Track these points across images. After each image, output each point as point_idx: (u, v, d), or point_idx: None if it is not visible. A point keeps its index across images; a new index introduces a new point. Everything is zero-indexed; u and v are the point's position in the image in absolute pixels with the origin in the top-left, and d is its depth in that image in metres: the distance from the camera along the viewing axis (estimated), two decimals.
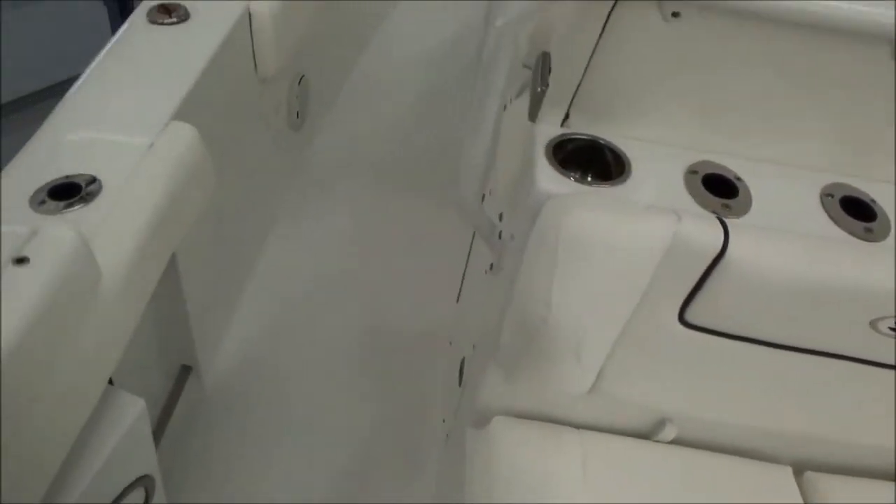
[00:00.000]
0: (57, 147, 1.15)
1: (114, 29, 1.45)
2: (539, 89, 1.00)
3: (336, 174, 2.42)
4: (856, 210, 0.94)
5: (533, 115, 1.02)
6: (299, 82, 2.13)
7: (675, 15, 0.80)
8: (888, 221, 0.93)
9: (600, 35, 0.85)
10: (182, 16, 1.50)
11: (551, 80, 0.98)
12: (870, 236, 0.91)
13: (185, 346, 1.54)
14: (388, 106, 2.84)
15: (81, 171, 1.09)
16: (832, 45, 0.83)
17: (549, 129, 0.98)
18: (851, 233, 0.92)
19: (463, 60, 3.11)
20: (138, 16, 1.52)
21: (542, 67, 1.02)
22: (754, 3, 0.75)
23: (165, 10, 1.52)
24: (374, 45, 3.11)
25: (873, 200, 0.96)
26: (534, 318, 0.87)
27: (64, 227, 0.85)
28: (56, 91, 1.37)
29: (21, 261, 0.80)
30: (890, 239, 0.91)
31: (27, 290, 0.77)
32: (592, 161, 0.97)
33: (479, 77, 0.92)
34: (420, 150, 2.67)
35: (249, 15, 1.60)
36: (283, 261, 2.08)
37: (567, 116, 0.98)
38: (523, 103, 1.09)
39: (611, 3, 0.81)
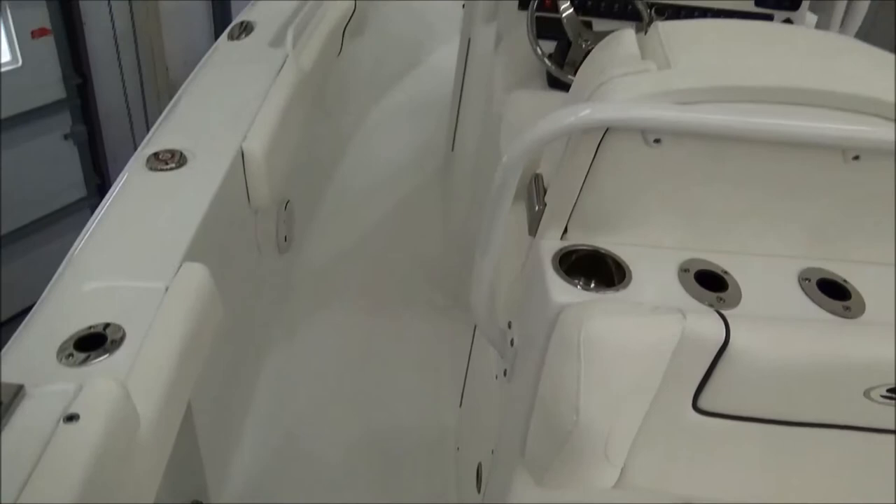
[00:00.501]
0: (77, 298, 1.18)
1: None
2: (537, 208, 1.10)
3: (325, 292, 2.48)
4: (832, 291, 1.04)
5: (532, 230, 1.12)
6: (285, 207, 2.22)
7: (656, 141, 0.92)
8: (861, 299, 1.03)
9: (592, 161, 0.96)
10: (179, 161, 1.59)
11: (548, 198, 1.08)
12: (849, 314, 1.01)
13: (197, 482, 1.53)
14: (367, 216, 2.97)
15: (104, 321, 1.12)
16: (793, 156, 0.95)
17: (551, 242, 1.07)
18: (833, 312, 1.01)
19: (433, 163, 3.30)
20: (137, 164, 1.59)
21: (537, 188, 1.12)
22: (725, 129, 0.88)
23: (163, 156, 1.60)
24: (349, 158, 3.27)
25: (845, 280, 1.06)
26: (563, 423, 0.92)
27: (108, 381, 0.88)
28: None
29: (71, 418, 0.83)
30: (866, 315, 1.01)
31: (82, 448, 0.80)
32: (595, 269, 1.05)
33: (489, 202, 1.02)
34: (402, 257, 2.78)
35: (243, 154, 1.70)
36: (281, 385, 2.10)
37: (566, 230, 1.07)
38: (515, 217, 1.19)
39: (601, 134, 0.92)
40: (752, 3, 2.24)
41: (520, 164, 0.93)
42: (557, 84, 2.04)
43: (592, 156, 0.95)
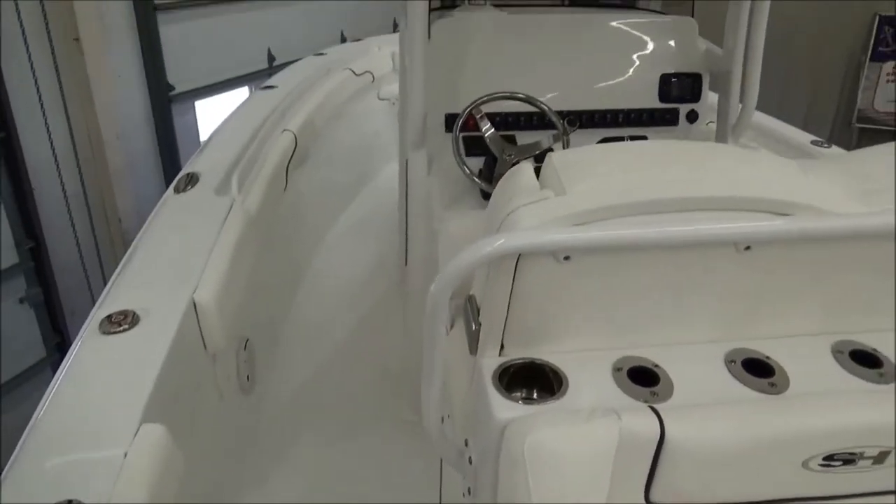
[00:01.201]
0: (37, 476, 1.19)
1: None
2: (473, 328, 1.16)
3: (294, 426, 2.47)
4: (756, 369, 1.11)
5: (472, 349, 1.18)
6: (245, 346, 2.25)
7: (566, 258, 1.01)
8: (784, 373, 1.09)
9: (513, 281, 1.04)
10: (132, 321, 1.63)
11: (482, 318, 1.15)
12: (775, 390, 1.07)
13: None
14: (330, 339, 3.00)
15: (65, 499, 1.12)
16: (690, 253, 1.05)
17: (491, 360, 1.12)
18: (760, 390, 1.08)
19: (390, 278, 3.37)
20: (91, 329, 1.62)
21: (472, 308, 1.19)
22: (616, 241, 0.97)
23: (116, 319, 1.64)
24: (307, 284, 3.33)
25: (767, 357, 1.13)
26: None
27: None
28: None
29: None
30: (791, 388, 1.08)
31: None
32: (534, 379, 1.11)
33: (425, 330, 1.08)
34: (368, 375, 2.79)
35: (195, 304, 1.75)
36: None
37: (503, 346, 1.13)
38: (458, 335, 1.25)
39: (516, 258, 1.01)
40: (658, 99, 2.44)
41: (446, 293, 1.00)
42: (490, 195, 2.16)
43: (512, 277, 1.03)
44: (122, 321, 1.61)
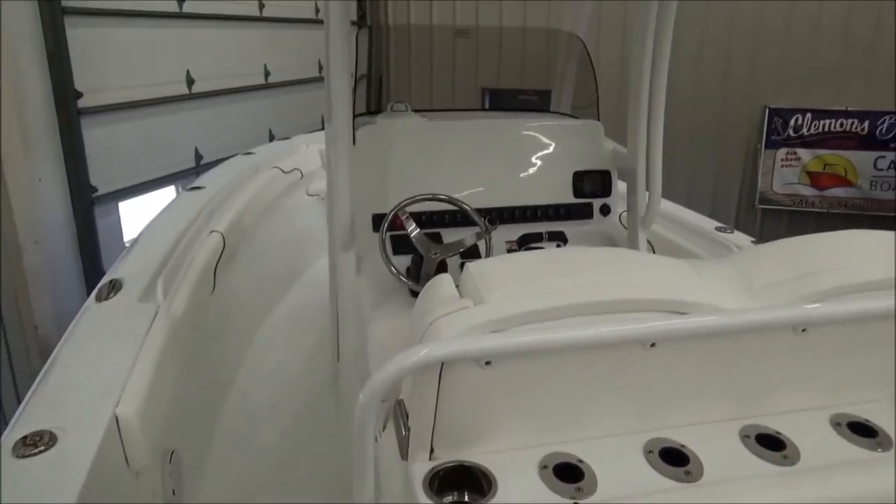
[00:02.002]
0: None
1: None
2: (403, 433, 1.18)
3: None
4: (673, 458, 1.17)
5: (403, 454, 1.19)
6: (170, 459, 2.16)
7: (487, 363, 1.07)
8: (699, 461, 1.16)
9: (438, 387, 1.08)
10: (49, 442, 1.55)
11: (411, 423, 1.17)
12: (690, 478, 1.13)
13: None
14: (263, 440, 2.90)
15: None
16: (601, 352, 1.13)
17: (421, 465, 1.14)
18: (677, 479, 1.13)
19: (322, 373, 3.32)
20: (4, 453, 1.54)
21: (401, 414, 1.22)
22: (533, 345, 1.04)
23: (31, 440, 1.56)
24: (237, 386, 3.24)
25: (683, 445, 1.20)
26: None
27: None
28: None
29: None
30: (706, 476, 1.14)
31: None
32: (464, 481, 1.13)
33: (354, 438, 1.09)
34: (305, 472, 2.71)
35: (117, 420, 1.69)
36: None
37: (432, 450, 1.16)
38: (390, 437, 1.27)
39: (439, 365, 1.06)
40: (572, 195, 2.60)
41: (374, 403, 1.03)
42: (418, 293, 2.23)
43: (437, 384, 1.07)
44: (37, 442, 1.54)
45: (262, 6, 6.69)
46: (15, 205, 4.07)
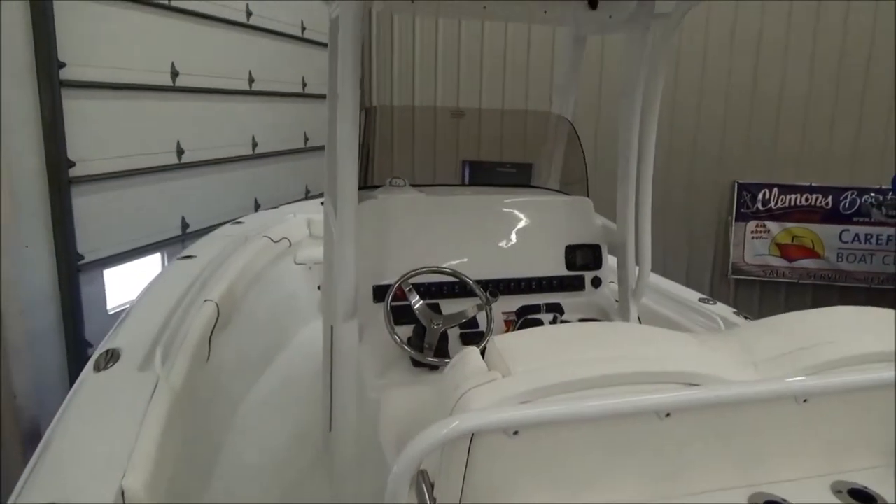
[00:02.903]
0: None
1: None
2: (428, 502, 1.22)
3: None
4: None
5: None
6: None
7: (515, 433, 1.12)
8: None
9: (468, 457, 1.13)
10: None
11: (437, 492, 1.21)
12: None
13: None
14: None
15: None
16: (621, 421, 1.19)
17: None
18: None
19: (312, 445, 3.29)
20: None
21: (425, 483, 1.25)
22: (560, 416, 1.10)
23: None
24: (227, 454, 3.19)
25: None
26: None
27: None
28: None
29: None
30: None
31: None
32: None
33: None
34: None
35: (122, 493, 1.68)
36: None
37: None
38: None
39: (470, 435, 1.11)
40: (565, 268, 2.70)
41: (408, 475, 1.07)
42: (421, 362, 2.27)
43: (467, 453, 1.12)
44: None
45: (251, 80, 6.89)
46: (3, 276, 4.04)
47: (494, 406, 1.10)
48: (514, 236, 2.64)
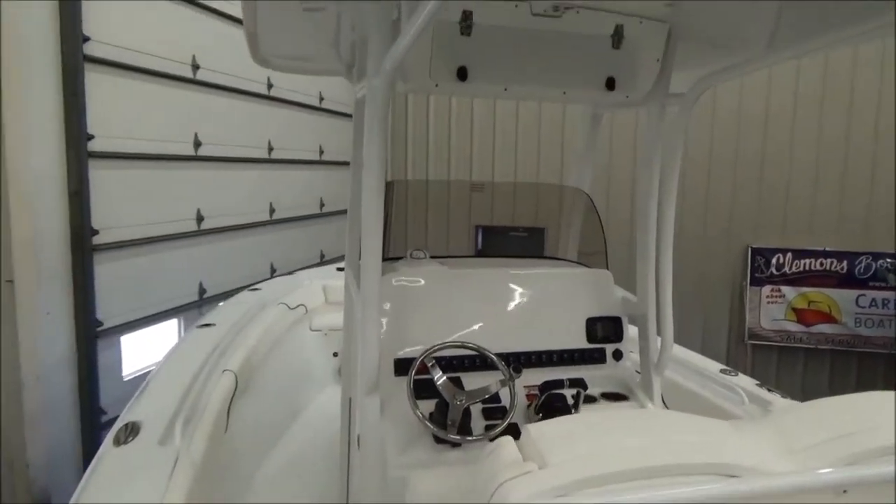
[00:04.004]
0: None
1: None
2: None
3: None
4: None
5: None
6: None
7: None
8: None
9: None
10: None
11: None
12: None
13: None
14: None
15: None
16: None
17: None
18: None
19: None
20: None
21: None
22: None
23: None
24: None
25: None
26: None
27: None
28: None
29: None
30: None
31: None
32: None
33: None
34: None
35: None
36: None
37: None
38: None
39: None
40: (586, 340, 2.69)
41: None
42: (443, 439, 2.24)
43: None
44: None
45: (270, 149, 7.07)
46: (22, 341, 4.08)
47: (532, 500, 1.09)
48: (535, 309, 2.65)
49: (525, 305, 2.65)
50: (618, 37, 2.26)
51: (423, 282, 2.59)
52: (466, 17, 2.12)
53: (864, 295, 8.17)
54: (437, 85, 2.19)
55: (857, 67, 7.94)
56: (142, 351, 5.24)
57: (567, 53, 2.26)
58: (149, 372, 3.49)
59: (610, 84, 2.33)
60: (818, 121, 8.13)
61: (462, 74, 2.17)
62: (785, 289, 8.34)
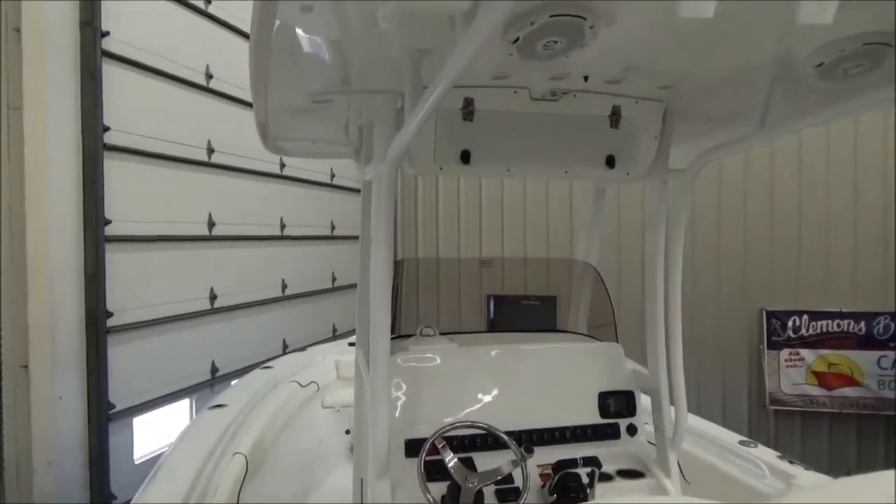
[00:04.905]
0: None
1: None
2: None
3: None
4: None
5: None
6: None
7: None
8: None
9: None
10: None
11: None
12: None
13: None
14: None
15: None
16: None
17: None
18: None
19: None
20: None
21: None
22: None
23: None
24: None
25: None
26: None
27: None
28: None
29: None
30: None
31: None
32: None
33: None
34: None
35: None
36: None
37: None
38: None
39: None
40: (598, 415, 2.66)
41: None
42: None
43: None
44: None
45: (283, 226, 7.20)
46: (34, 427, 4.07)
47: None
48: (546, 385, 2.63)
49: (536, 381, 2.64)
50: (615, 117, 2.33)
51: (432, 361, 2.59)
52: (468, 103, 2.20)
53: (885, 356, 7.99)
54: (441, 168, 2.25)
55: (859, 124, 8.04)
56: (154, 432, 5.21)
57: (567, 134, 2.33)
58: (160, 455, 3.46)
59: (610, 162, 2.39)
60: (824, 181, 8.18)
61: (466, 158, 2.24)
62: (804, 352, 8.19)
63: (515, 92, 2.19)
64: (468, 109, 2.21)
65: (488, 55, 1.58)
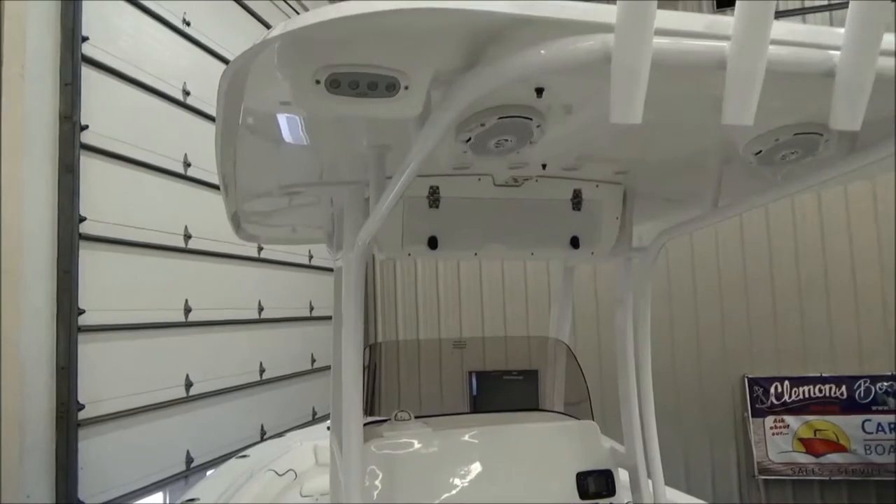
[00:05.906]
0: None
1: None
2: None
3: None
4: None
5: None
6: None
7: None
8: None
9: None
10: None
11: None
12: None
13: None
14: None
15: None
16: None
17: None
18: None
19: None
20: None
21: None
22: None
23: None
24: None
25: None
26: None
27: None
28: None
29: None
30: None
31: None
32: None
33: None
34: None
35: None
36: None
37: None
38: None
39: None
40: (578, 496, 2.63)
41: None
42: None
43: None
44: None
45: (261, 309, 7.17)
46: None
47: None
48: (524, 467, 2.61)
49: (513, 464, 2.62)
50: (577, 200, 2.43)
51: (407, 447, 2.57)
52: (433, 191, 2.28)
53: (869, 420, 7.99)
54: (409, 254, 2.31)
55: (823, 197, 8.30)
56: None
57: (531, 217, 2.42)
58: None
59: (574, 243, 2.47)
60: (793, 250, 8.37)
61: (433, 244, 2.30)
62: (788, 418, 8.16)
63: (479, 179, 2.28)
64: (434, 197, 2.28)
65: (448, 150, 1.66)
